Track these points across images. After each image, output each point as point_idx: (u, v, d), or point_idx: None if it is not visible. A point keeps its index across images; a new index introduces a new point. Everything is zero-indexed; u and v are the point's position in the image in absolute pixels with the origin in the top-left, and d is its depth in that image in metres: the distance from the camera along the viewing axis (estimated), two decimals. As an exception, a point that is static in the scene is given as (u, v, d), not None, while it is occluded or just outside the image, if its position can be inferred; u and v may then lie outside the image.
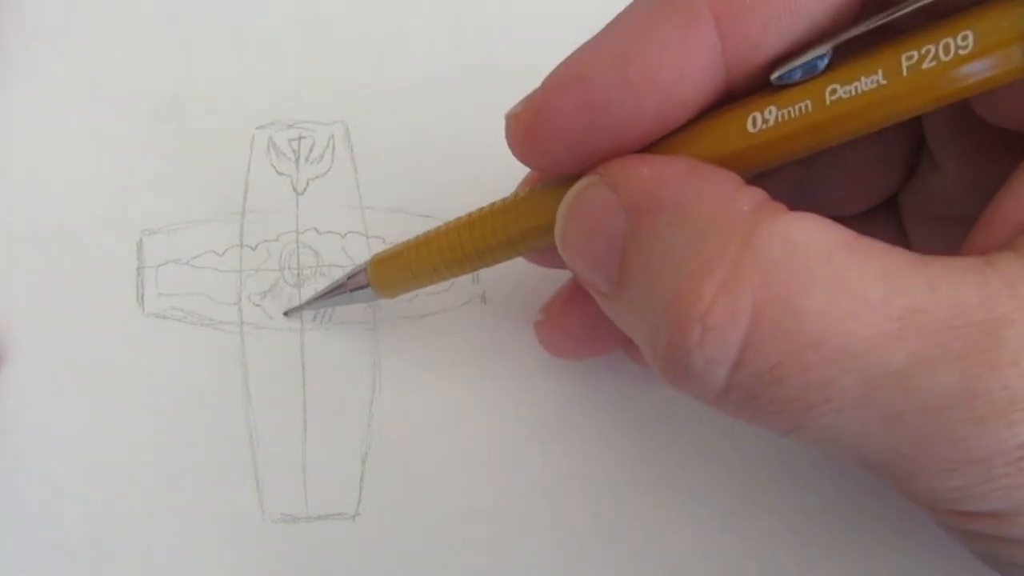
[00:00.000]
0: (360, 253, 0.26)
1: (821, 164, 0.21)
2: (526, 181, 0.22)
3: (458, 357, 0.25)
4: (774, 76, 0.15)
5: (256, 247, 0.26)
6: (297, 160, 0.26)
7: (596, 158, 0.16)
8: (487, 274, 0.26)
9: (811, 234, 0.14)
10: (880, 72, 0.14)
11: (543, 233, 0.18)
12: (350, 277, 0.23)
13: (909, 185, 0.21)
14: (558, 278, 0.24)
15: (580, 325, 0.22)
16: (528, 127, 0.17)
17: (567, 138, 0.16)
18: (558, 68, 0.16)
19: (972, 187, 0.19)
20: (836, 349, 0.13)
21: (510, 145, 0.17)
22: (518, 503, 0.24)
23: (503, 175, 0.26)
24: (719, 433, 0.24)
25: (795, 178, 0.21)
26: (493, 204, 0.19)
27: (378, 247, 0.26)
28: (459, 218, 0.20)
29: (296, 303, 0.25)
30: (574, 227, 0.17)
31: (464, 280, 0.26)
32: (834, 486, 0.24)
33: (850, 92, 0.14)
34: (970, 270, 0.13)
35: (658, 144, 0.16)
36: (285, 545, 0.24)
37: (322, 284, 0.25)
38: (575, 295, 0.22)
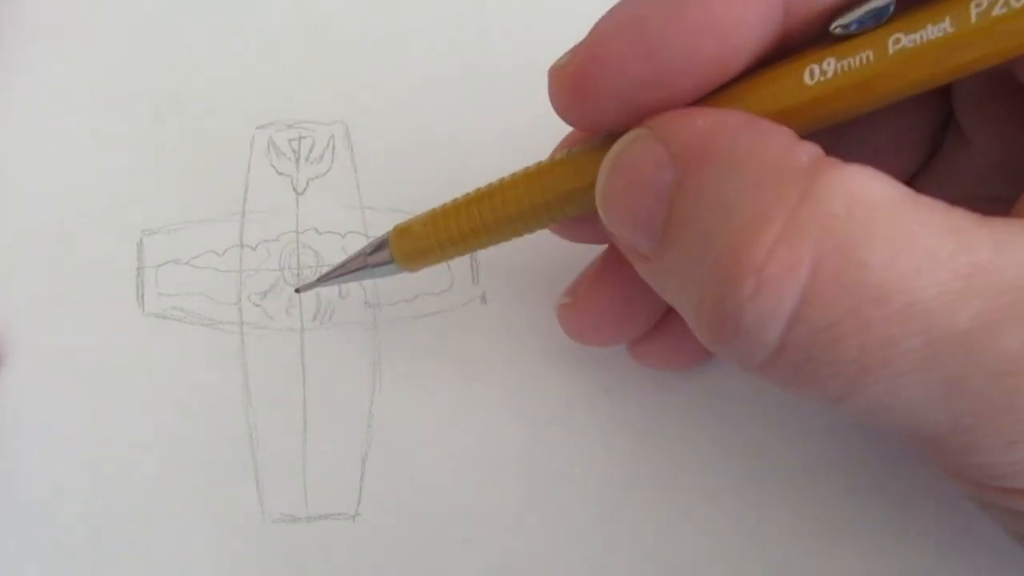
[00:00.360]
0: (360, 253, 0.26)
1: (841, 142, 0.20)
2: (562, 146, 0.20)
3: (458, 357, 0.25)
4: (834, 26, 0.14)
5: (256, 247, 0.26)
6: (297, 160, 0.26)
7: (646, 111, 0.15)
8: (487, 274, 0.26)
9: (874, 187, 0.13)
10: (948, 19, 0.13)
11: (583, 195, 0.17)
12: (371, 251, 0.21)
13: (929, 166, 0.20)
14: (559, 279, 0.23)
15: (609, 307, 0.21)
16: (576, 77, 0.16)
17: (618, 87, 0.15)
18: (609, 12, 0.15)
19: (1001, 164, 0.18)
20: (900, 306, 0.12)
21: (554, 101, 0.16)
22: (518, 503, 0.24)
23: (503, 175, 0.26)
24: (722, 433, 0.24)
25: None
26: (527, 168, 0.18)
27: (378, 247, 0.26)
28: (490, 184, 0.19)
29: (296, 303, 0.25)
30: (618, 182, 0.16)
31: (464, 280, 0.26)
32: (838, 486, 0.24)
33: (915, 41, 0.14)
34: None
35: (710, 97, 0.15)
36: (285, 545, 0.24)
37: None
38: (604, 275, 0.21)
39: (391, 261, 0.21)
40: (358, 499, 0.24)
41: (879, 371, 0.13)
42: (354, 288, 0.26)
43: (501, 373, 0.25)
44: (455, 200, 0.20)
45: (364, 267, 0.22)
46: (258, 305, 0.25)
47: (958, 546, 0.23)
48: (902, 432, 0.14)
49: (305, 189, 0.26)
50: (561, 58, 0.16)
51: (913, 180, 0.21)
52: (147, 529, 0.24)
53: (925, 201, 0.13)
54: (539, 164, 0.18)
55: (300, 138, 0.27)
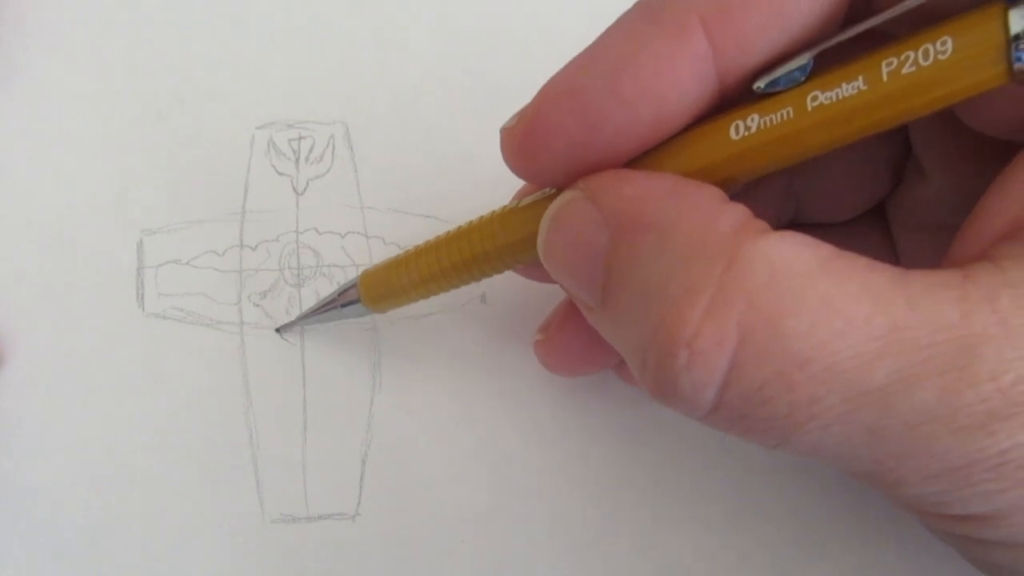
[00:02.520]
0: (360, 253, 0.26)
1: (808, 173, 0.21)
2: (519, 194, 0.22)
3: (458, 357, 0.25)
4: (756, 85, 0.15)
5: (256, 247, 0.26)
6: (297, 160, 0.26)
7: (590, 170, 0.16)
8: (487, 274, 0.26)
9: (793, 255, 0.14)
10: (861, 78, 0.14)
11: (530, 244, 0.18)
12: (340, 293, 0.23)
13: (896, 193, 0.21)
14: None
15: (579, 343, 0.22)
16: (522, 139, 0.17)
17: (561, 150, 0.16)
18: (551, 81, 0.16)
19: (957, 195, 0.19)
20: (821, 369, 0.13)
21: (505, 157, 0.17)
22: (517, 503, 0.24)
23: (503, 175, 0.26)
24: (718, 436, 0.24)
25: (782, 187, 0.21)
26: (481, 216, 0.19)
27: (378, 247, 0.26)
28: (448, 231, 0.20)
29: (296, 303, 0.25)
30: (556, 240, 0.17)
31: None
32: (832, 489, 0.24)
33: (831, 98, 0.14)
34: (950, 286, 0.13)
35: (646, 155, 0.16)
36: (285, 545, 0.24)
37: (322, 284, 0.26)
38: (572, 314, 0.22)
39: (359, 302, 0.23)
40: (358, 499, 0.24)
41: (807, 424, 0.14)
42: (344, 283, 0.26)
43: (501, 372, 0.25)
44: (417, 246, 0.21)
45: (336, 307, 0.23)
46: (258, 305, 0.25)
47: (949, 549, 0.23)
48: (839, 470, 0.15)
49: (305, 189, 0.26)
50: (511, 119, 0.17)
51: (888, 204, 0.22)
52: (147, 529, 0.24)
53: (844, 265, 0.14)
54: (492, 213, 0.19)
55: (300, 138, 0.27)
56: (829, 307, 0.13)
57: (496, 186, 0.26)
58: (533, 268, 0.22)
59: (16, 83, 0.27)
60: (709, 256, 0.14)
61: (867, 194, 0.21)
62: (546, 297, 0.24)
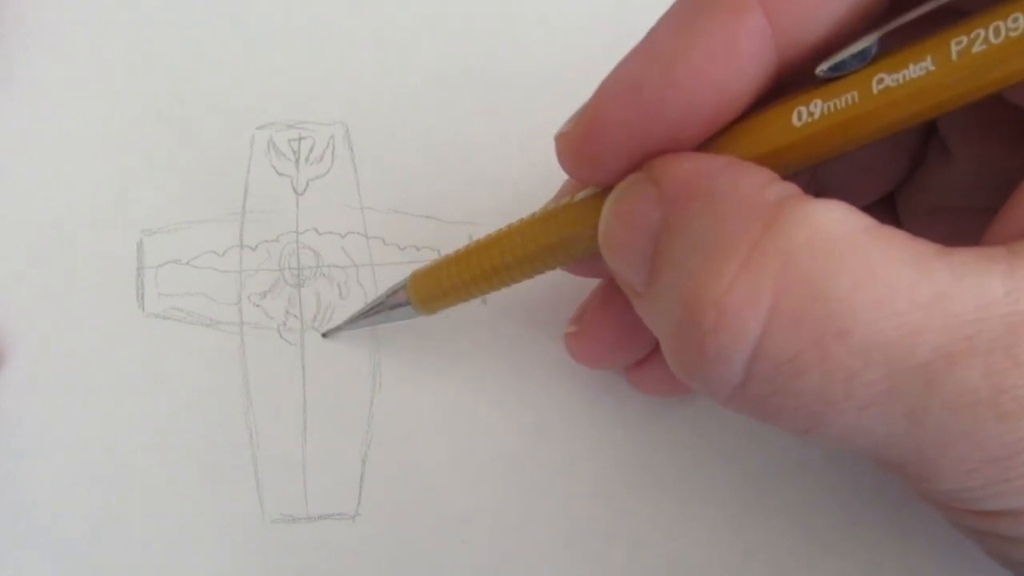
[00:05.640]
0: (360, 253, 0.26)
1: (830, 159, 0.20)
2: (563, 192, 0.21)
3: (458, 357, 0.25)
4: (819, 69, 0.15)
5: (256, 247, 0.26)
6: (297, 160, 0.26)
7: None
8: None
9: (836, 219, 0.13)
10: (929, 59, 0.14)
11: (586, 239, 0.18)
12: (389, 295, 0.23)
13: (912, 178, 0.21)
14: (557, 282, 0.24)
15: (613, 335, 0.22)
16: (580, 143, 0.16)
17: (622, 147, 0.16)
18: (608, 78, 0.16)
19: (980, 176, 0.18)
20: (862, 339, 0.13)
21: (563, 163, 0.17)
22: (518, 503, 0.24)
23: (503, 175, 0.26)
24: (721, 433, 0.24)
25: (806, 173, 0.21)
26: (534, 213, 0.19)
27: (378, 247, 0.26)
28: (499, 229, 0.20)
29: (296, 303, 0.25)
30: (616, 223, 0.16)
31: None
32: (837, 486, 0.24)
33: (898, 80, 0.14)
34: (995, 259, 0.13)
35: (707, 143, 0.16)
36: (285, 545, 0.24)
37: (322, 284, 0.26)
38: (608, 304, 0.22)
39: (408, 304, 0.22)
40: (358, 499, 0.24)
41: (842, 404, 0.13)
42: (354, 288, 0.26)
43: (501, 373, 0.25)
44: (467, 245, 0.21)
45: (383, 311, 0.23)
46: (258, 305, 0.25)
47: (958, 546, 0.23)
48: (869, 460, 0.15)
49: (305, 189, 0.26)
50: (566, 124, 0.17)
51: (899, 190, 0.21)
52: (147, 529, 0.24)
53: (887, 232, 0.13)
54: (545, 209, 0.19)
55: (300, 138, 0.27)
56: (872, 272, 0.13)
57: (496, 186, 0.26)
58: (584, 264, 0.21)
59: (16, 83, 0.27)
60: (750, 217, 0.13)
61: (885, 179, 0.21)
62: (546, 298, 0.25)
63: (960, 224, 0.15)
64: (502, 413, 0.25)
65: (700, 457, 0.24)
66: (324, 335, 0.25)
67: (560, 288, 0.23)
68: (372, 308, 0.23)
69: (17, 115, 0.27)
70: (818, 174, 0.21)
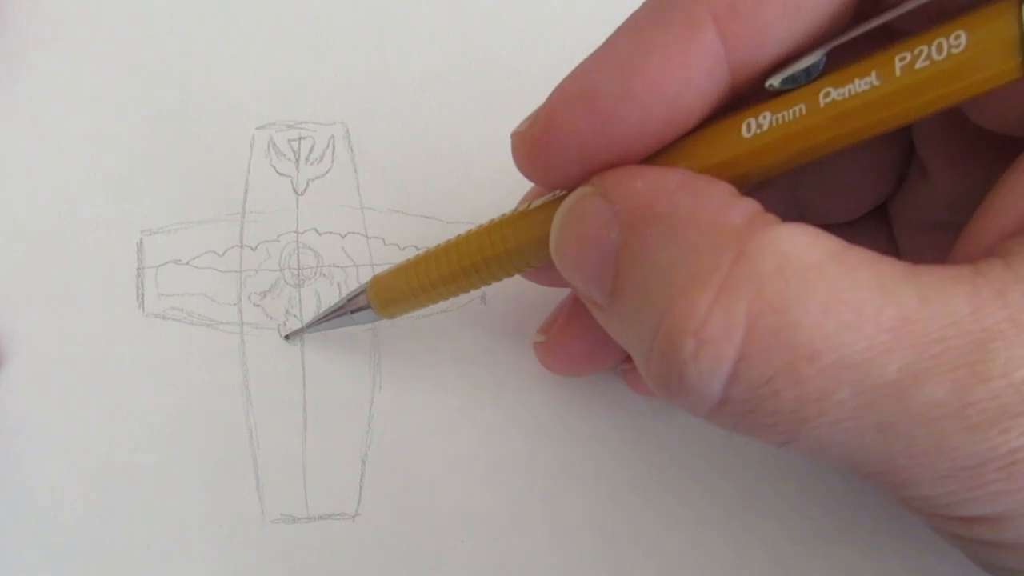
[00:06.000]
0: (360, 253, 0.26)
1: (811, 173, 0.21)
2: (527, 197, 0.22)
3: (458, 357, 0.25)
4: (768, 82, 0.15)
5: (256, 247, 0.26)
6: (297, 161, 0.26)
7: (601, 170, 0.16)
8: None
9: (804, 245, 0.14)
10: (873, 73, 0.14)
11: (540, 246, 0.18)
12: (350, 299, 0.23)
13: (899, 193, 0.21)
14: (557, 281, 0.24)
15: (581, 344, 0.22)
16: (534, 144, 0.17)
17: (574, 152, 0.16)
18: (562, 83, 0.16)
19: (961, 194, 0.19)
20: (831, 361, 0.13)
21: (517, 162, 0.17)
22: (517, 503, 0.24)
23: (503, 175, 0.26)
24: (718, 434, 0.24)
25: (786, 187, 0.21)
26: (491, 220, 0.19)
27: (378, 247, 0.26)
28: (458, 235, 0.20)
29: (296, 303, 0.25)
30: (568, 237, 0.17)
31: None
32: (833, 487, 0.24)
33: (844, 94, 0.14)
34: (960, 279, 0.13)
35: (658, 154, 0.16)
36: (285, 545, 0.24)
37: (322, 284, 0.26)
38: (575, 315, 0.22)
39: (368, 308, 0.23)
40: (358, 499, 0.24)
41: (815, 420, 0.14)
42: (354, 288, 0.26)
43: (501, 373, 0.25)
44: (427, 250, 0.21)
45: (345, 313, 0.23)
46: (258, 305, 0.25)
47: (949, 547, 0.23)
48: (847, 469, 0.15)
49: (305, 190, 0.26)
50: (522, 123, 0.17)
51: (891, 204, 0.22)
52: (147, 529, 0.24)
53: (853, 256, 0.14)
54: (501, 217, 0.19)
55: (300, 139, 0.27)
56: (839, 298, 0.13)
57: (496, 186, 0.26)
58: (542, 272, 0.22)
59: (16, 83, 0.27)
60: (719, 245, 0.14)
61: (870, 195, 0.21)
62: (546, 298, 0.25)
63: (950, 237, 0.16)
64: (502, 413, 0.25)
65: (698, 457, 0.24)
66: (286, 338, 0.25)
67: (560, 288, 0.23)
68: (333, 311, 0.24)
69: (17, 115, 0.27)
70: (800, 189, 0.21)
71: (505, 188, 0.26)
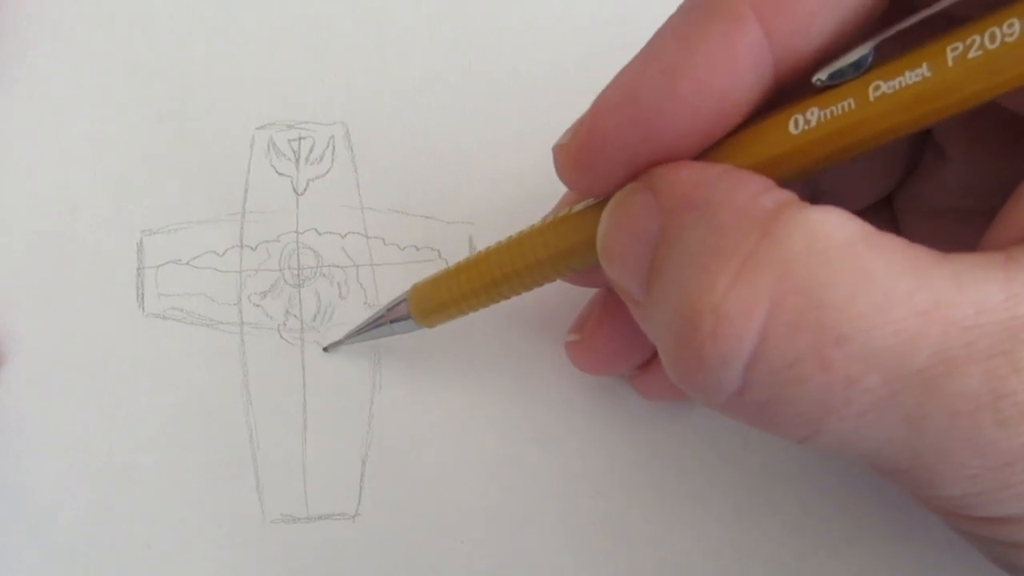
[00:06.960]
0: (360, 253, 0.26)
1: None
2: (563, 203, 0.21)
3: (458, 357, 0.25)
4: (816, 78, 0.15)
5: (256, 247, 0.26)
6: (297, 161, 0.26)
7: (646, 171, 0.16)
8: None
9: (834, 226, 0.13)
10: (925, 65, 0.14)
11: (585, 249, 0.18)
12: (389, 308, 0.23)
13: (908, 181, 0.21)
14: (558, 283, 0.24)
15: (616, 343, 0.22)
16: (578, 154, 0.16)
17: (620, 158, 0.16)
18: (605, 91, 0.16)
19: (978, 179, 0.18)
20: (860, 345, 0.12)
21: (561, 174, 0.17)
22: (518, 503, 0.24)
23: (503, 176, 0.26)
24: (723, 434, 0.24)
25: (802, 181, 0.21)
26: (533, 225, 0.19)
27: (378, 248, 0.26)
28: (498, 242, 0.20)
29: (296, 303, 0.25)
30: (614, 232, 0.16)
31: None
32: (837, 486, 0.24)
33: (894, 87, 0.14)
34: (993, 266, 0.13)
35: (705, 152, 0.16)
36: (285, 545, 0.24)
37: (322, 284, 0.26)
38: (608, 313, 0.22)
39: (409, 318, 0.22)
40: (358, 499, 0.24)
41: (841, 410, 0.13)
42: (354, 288, 0.26)
43: (501, 373, 0.25)
44: (467, 258, 0.21)
45: (384, 324, 0.23)
46: (258, 305, 0.25)
47: (958, 548, 0.23)
48: (869, 467, 0.15)
49: (305, 190, 0.26)
50: (563, 136, 0.17)
51: (896, 193, 0.21)
52: (147, 529, 0.24)
53: (884, 239, 0.13)
54: (544, 221, 0.19)
55: (300, 139, 0.27)
56: (870, 279, 0.13)
57: (496, 186, 0.26)
58: (584, 274, 0.21)
59: (17, 83, 0.27)
60: (746, 226, 0.13)
61: (881, 183, 0.21)
62: (547, 298, 0.24)
63: (957, 226, 0.15)
64: (502, 413, 0.25)
65: (700, 459, 0.24)
66: (325, 349, 0.25)
67: (561, 288, 0.23)
68: (372, 322, 0.23)
69: (18, 115, 0.27)
70: (813, 179, 0.21)
71: (506, 188, 0.26)
